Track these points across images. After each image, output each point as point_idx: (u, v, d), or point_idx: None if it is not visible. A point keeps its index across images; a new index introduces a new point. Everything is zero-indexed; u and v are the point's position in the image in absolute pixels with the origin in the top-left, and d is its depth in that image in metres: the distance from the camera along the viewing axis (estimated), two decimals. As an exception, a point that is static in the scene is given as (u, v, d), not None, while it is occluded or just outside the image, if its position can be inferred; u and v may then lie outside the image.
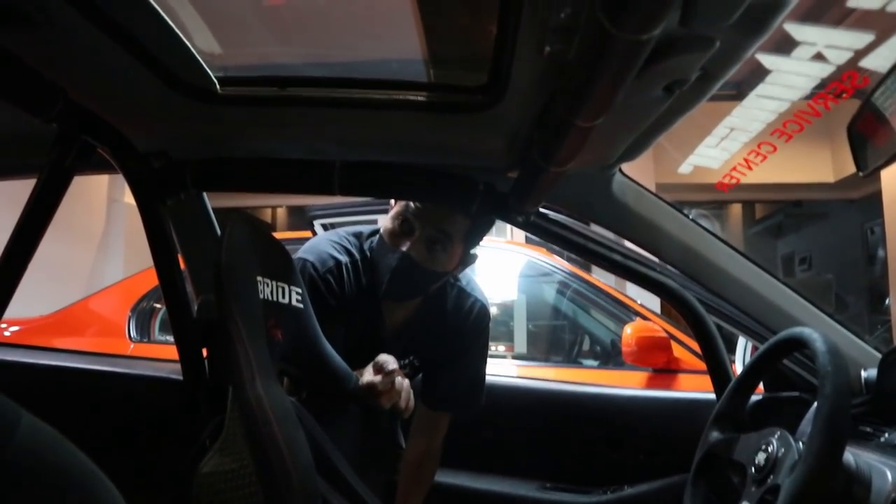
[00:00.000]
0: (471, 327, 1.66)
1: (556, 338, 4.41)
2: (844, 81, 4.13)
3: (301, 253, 1.52)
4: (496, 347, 4.35)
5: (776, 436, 1.06)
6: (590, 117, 0.81)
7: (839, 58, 4.15)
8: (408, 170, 1.31)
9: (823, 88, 4.49)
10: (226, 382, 1.03)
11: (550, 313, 4.27)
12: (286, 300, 1.17)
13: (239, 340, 0.90)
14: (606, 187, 1.31)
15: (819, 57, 4.27)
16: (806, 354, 1.37)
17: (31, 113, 1.04)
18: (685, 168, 6.05)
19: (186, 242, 1.46)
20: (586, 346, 3.76)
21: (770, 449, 1.05)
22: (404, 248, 1.44)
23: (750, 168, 5.39)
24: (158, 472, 1.53)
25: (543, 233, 1.36)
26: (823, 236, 8.96)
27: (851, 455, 1.02)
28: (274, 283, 1.12)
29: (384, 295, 1.50)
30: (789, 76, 4.59)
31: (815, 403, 0.98)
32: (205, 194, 1.47)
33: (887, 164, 0.86)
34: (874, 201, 6.89)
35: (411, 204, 1.45)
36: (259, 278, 1.05)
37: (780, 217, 9.40)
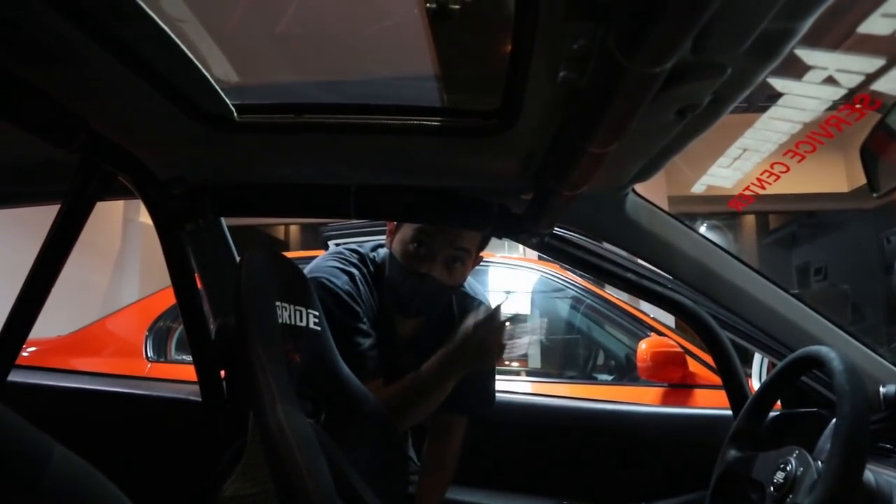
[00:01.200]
0: None
1: (570, 353, 4.39)
2: (857, 104, 4.15)
3: (311, 273, 1.52)
4: (510, 364, 4.34)
5: (795, 454, 1.06)
6: (603, 144, 0.82)
7: (851, 81, 4.18)
8: (422, 193, 1.33)
9: (836, 110, 4.52)
10: (246, 408, 1.04)
11: (564, 329, 4.26)
12: (304, 323, 1.18)
13: (259, 366, 0.92)
14: (619, 207, 1.32)
15: (830, 80, 4.31)
16: (824, 372, 1.37)
17: (56, 144, 1.06)
18: (698, 188, 6.07)
19: (204, 266, 1.48)
20: (601, 361, 3.75)
21: (789, 468, 1.05)
22: (426, 271, 1.45)
23: (763, 188, 5.39)
24: (178, 493, 1.55)
25: (558, 253, 1.37)
26: (838, 246, 8.89)
27: (871, 473, 1.02)
28: (292, 307, 1.13)
29: (408, 314, 1.53)
30: (801, 99, 4.63)
31: (834, 422, 0.98)
32: (223, 219, 1.49)
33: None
34: (889, 210, 6.84)
35: (424, 226, 1.46)
36: (278, 303, 1.06)
37: (793, 227, 9.34)
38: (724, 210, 8.37)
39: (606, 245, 1.45)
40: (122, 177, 1.26)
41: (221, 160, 1.29)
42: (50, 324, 2.54)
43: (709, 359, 2.55)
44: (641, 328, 2.90)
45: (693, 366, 2.57)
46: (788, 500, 1.01)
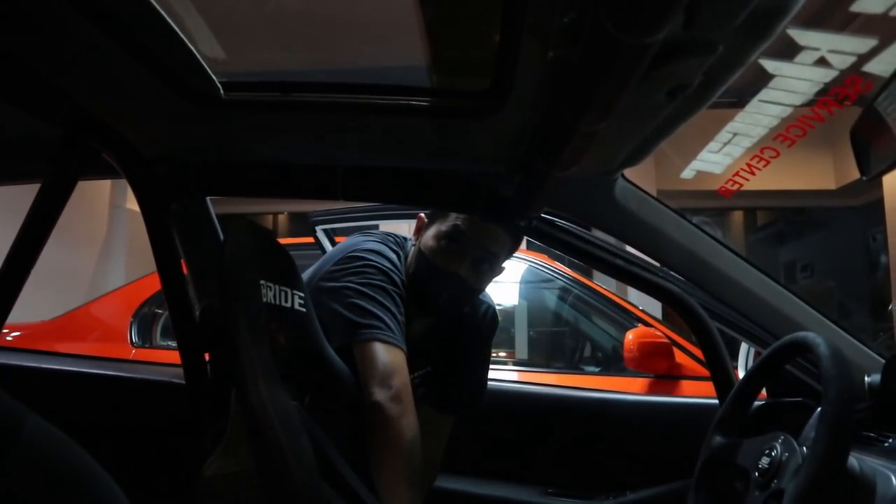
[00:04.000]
0: (484, 332, 1.68)
1: (557, 344, 4.41)
2: (847, 86, 4.17)
3: (348, 253, 1.49)
4: (497, 353, 4.35)
5: (780, 440, 1.06)
6: (593, 121, 0.82)
7: (842, 63, 4.19)
8: (411, 174, 1.32)
9: (826, 94, 4.54)
10: (229, 385, 1.03)
11: (552, 319, 4.27)
12: (289, 304, 1.17)
13: (242, 343, 0.91)
14: (609, 193, 1.31)
15: (822, 62, 4.31)
16: (809, 359, 1.37)
17: (37, 116, 1.04)
18: (688, 173, 6.08)
19: (189, 247, 1.47)
20: (588, 352, 3.76)
21: (774, 453, 1.05)
22: (455, 269, 1.44)
23: (753, 173, 5.40)
24: (160, 475, 1.53)
25: (546, 237, 1.37)
26: (825, 244, 8.96)
27: (856, 460, 1.02)
28: (277, 287, 1.13)
29: (427, 313, 1.52)
30: (792, 81, 4.63)
31: (819, 408, 0.98)
32: (208, 199, 1.47)
33: (889, 169, 0.86)
34: (876, 208, 6.89)
35: (458, 223, 1.44)
36: (262, 282, 1.05)
37: (781, 224, 9.40)
38: (713, 206, 8.41)
39: (596, 232, 1.44)
40: (106, 154, 1.24)
41: (207, 138, 1.27)
42: (35, 310, 2.52)
43: (696, 350, 2.56)
44: (629, 319, 2.91)
45: (680, 357, 2.58)
46: (773, 485, 1.00)
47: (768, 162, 5.21)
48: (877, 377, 1.29)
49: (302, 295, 1.22)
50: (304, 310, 1.22)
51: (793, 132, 4.86)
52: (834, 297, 7.95)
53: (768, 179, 7.79)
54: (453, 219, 1.45)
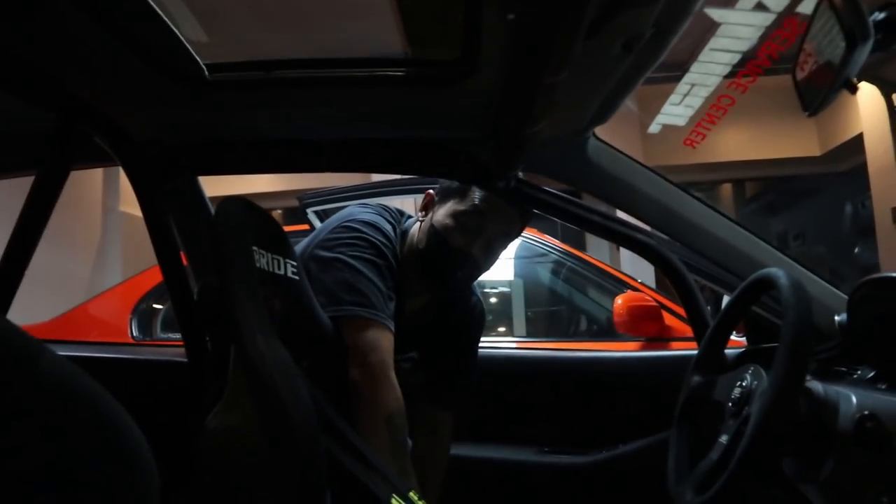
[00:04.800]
0: (474, 326, 1.72)
1: (552, 315, 4.47)
2: (786, 28, 4.37)
3: (344, 223, 1.51)
4: (497, 329, 4.40)
5: (750, 371, 1.12)
6: (553, 73, 0.88)
7: (778, 5, 4.45)
8: (391, 144, 1.38)
9: (769, 38, 4.77)
10: (227, 341, 1.09)
11: (546, 292, 4.32)
12: (282, 272, 1.22)
13: (238, 300, 0.96)
14: (581, 151, 1.37)
15: (760, 6, 4.60)
16: (776, 298, 1.43)
17: (31, 102, 1.09)
18: (654, 128, 6.23)
19: (184, 228, 1.52)
20: (583, 325, 3.82)
21: (744, 383, 1.11)
22: (469, 249, 1.46)
23: (713, 122, 5.57)
24: (163, 454, 1.58)
25: (525, 198, 1.42)
26: (815, 212, 9.02)
27: (820, 385, 1.08)
28: (269, 255, 1.18)
29: (431, 290, 1.55)
30: (737, 28, 4.88)
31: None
32: (199, 180, 1.53)
33: (825, 101, 0.91)
34: (861, 173, 6.95)
35: (477, 203, 1.45)
36: (255, 248, 1.10)
37: (771, 196, 9.46)
38: (702, 179, 8.48)
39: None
40: (99, 139, 1.29)
41: (195, 119, 1.33)
42: (33, 315, 2.55)
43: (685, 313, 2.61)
44: (622, 288, 2.95)
45: (669, 320, 2.63)
46: (745, 412, 1.07)
47: (726, 110, 5.38)
48: (845, 316, 1.34)
49: (294, 264, 1.27)
50: (296, 278, 1.28)
51: (744, 78, 5.02)
52: (825, 263, 8.02)
53: (754, 149, 7.88)
54: (471, 199, 1.46)
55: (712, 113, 5.65)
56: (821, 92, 0.91)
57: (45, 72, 1.10)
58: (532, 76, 0.91)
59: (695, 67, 5.40)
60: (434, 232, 1.49)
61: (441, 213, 1.50)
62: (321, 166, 1.36)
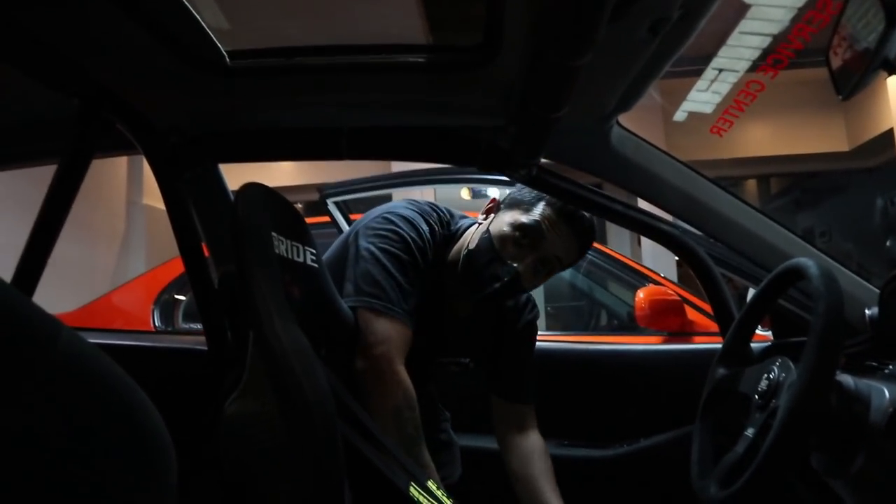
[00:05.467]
0: (527, 324, 1.70)
1: (573, 309, 4.45)
2: (820, 9, 4.21)
3: (384, 213, 1.51)
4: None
5: (778, 363, 1.09)
6: (577, 55, 0.86)
7: None
8: (411, 132, 1.36)
9: (801, 20, 4.58)
10: (246, 328, 1.08)
11: (566, 286, 4.30)
12: (301, 259, 1.22)
13: (256, 286, 0.96)
14: (605, 140, 1.35)
15: None
16: (805, 291, 1.40)
17: (54, 88, 1.10)
18: (679, 115, 6.06)
19: (204, 216, 1.52)
20: (604, 318, 3.80)
21: (772, 376, 1.08)
22: (517, 263, 1.43)
23: (741, 109, 5.38)
24: (183, 441, 1.59)
25: (547, 187, 1.40)
26: (843, 208, 8.89)
27: (851, 379, 1.06)
28: (289, 241, 1.17)
29: (468, 297, 1.52)
30: (768, 9, 4.69)
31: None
32: (221, 169, 1.53)
33: (861, 83, 0.89)
34: (891, 169, 6.84)
35: (540, 220, 1.43)
36: (274, 234, 1.10)
37: (797, 193, 9.34)
38: (726, 175, 8.38)
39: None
40: (121, 126, 1.29)
41: (216, 107, 1.32)
42: (57, 308, 2.58)
43: (709, 307, 2.58)
44: (643, 281, 2.93)
45: (692, 314, 2.61)
46: (772, 404, 1.04)
47: (755, 96, 5.19)
48: (876, 309, 1.32)
49: (314, 252, 1.27)
50: (316, 266, 1.27)
51: (774, 62, 4.85)
52: (853, 260, 7.90)
53: (780, 144, 7.78)
54: (535, 214, 1.44)
55: (740, 100, 5.44)
56: (855, 75, 0.88)
57: (67, 57, 1.11)
58: (555, 60, 0.89)
59: (723, 52, 5.20)
60: (487, 236, 1.46)
61: (501, 221, 1.47)
62: (341, 154, 1.35)
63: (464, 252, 1.50)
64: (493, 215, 1.52)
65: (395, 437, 1.31)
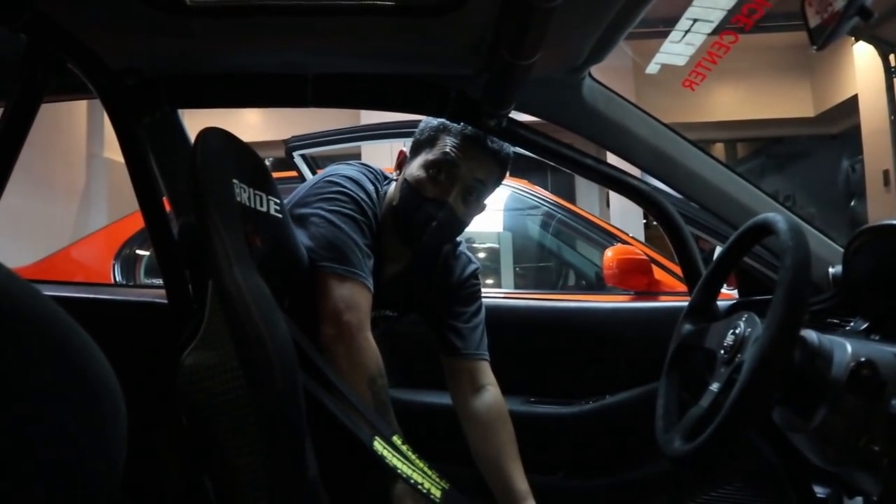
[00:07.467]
0: (468, 276, 1.66)
1: (541, 268, 4.46)
2: None
3: (326, 177, 1.47)
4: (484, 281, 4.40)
5: (744, 318, 1.09)
6: None
7: None
8: (380, 80, 1.32)
9: None
10: (206, 277, 1.05)
11: (535, 245, 4.31)
12: (264, 209, 1.18)
13: (216, 233, 0.92)
14: (577, 92, 1.32)
15: None
16: (772, 249, 1.41)
17: None
18: (652, 68, 5.96)
19: (163, 164, 1.47)
20: (571, 280, 3.81)
21: (738, 331, 1.08)
22: (444, 198, 1.41)
23: (715, 63, 5.30)
24: (144, 394, 1.56)
25: (516, 139, 1.38)
26: (807, 174, 9.01)
27: (815, 334, 1.06)
28: (251, 190, 1.14)
29: (414, 245, 1.49)
30: None
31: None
32: (179, 113, 1.47)
33: (836, 32, 0.87)
34: (854, 135, 6.93)
35: (448, 150, 1.40)
36: (235, 181, 1.06)
37: (762, 158, 9.44)
38: (693, 140, 8.42)
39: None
40: (73, 65, 1.23)
41: (175, 48, 1.27)
42: (16, 263, 2.51)
43: (676, 268, 2.59)
44: (611, 240, 2.93)
45: (659, 274, 2.62)
46: (737, 359, 1.04)
47: (728, 48, 5.11)
48: (839, 268, 1.32)
49: (277, 201, 1.23)
50: (279, 216, 1.24)
51: (750, 12, 4.78)
52: (813, 224, 8.02)
53: (748, 108, 7.83)
54: (441, 147, 1.41)
55: (714, 51, 5.33)
56: (830, 25, 0.87)
57: None
58: (526, 2, 0.86)
59: (697, 2, 5.05)
60: (407, 185, 1.44)
61: (413, 167, 1.45)
62: (306, 101, 1.31)
63: (393, 210, 1.48)
64: (405, 167, 1.50)
65: (371, 405, 1.28)
